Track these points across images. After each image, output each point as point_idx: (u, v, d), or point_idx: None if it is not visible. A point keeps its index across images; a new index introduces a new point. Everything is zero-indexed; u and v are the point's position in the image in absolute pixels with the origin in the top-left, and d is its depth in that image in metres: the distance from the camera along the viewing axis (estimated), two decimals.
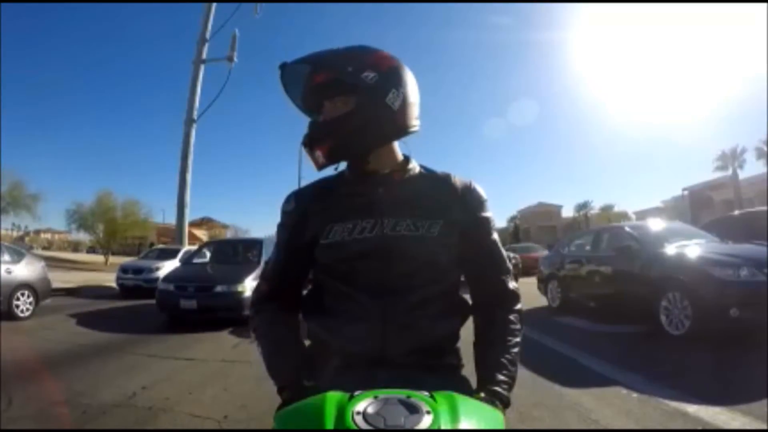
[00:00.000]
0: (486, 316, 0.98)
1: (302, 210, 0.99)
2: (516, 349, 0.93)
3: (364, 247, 0.91)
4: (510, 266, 1.03)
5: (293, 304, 1.03)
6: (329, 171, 1.00)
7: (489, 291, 1.00)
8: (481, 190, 1.01)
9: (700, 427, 2.67)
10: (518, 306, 0.99)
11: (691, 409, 2.90)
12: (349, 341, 0.90)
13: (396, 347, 0.89)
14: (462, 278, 1.03)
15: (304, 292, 1.06)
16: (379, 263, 0.91)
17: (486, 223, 1.00)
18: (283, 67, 0.97)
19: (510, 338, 0.94)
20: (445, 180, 1.00)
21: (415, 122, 0.97)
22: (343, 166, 0.99)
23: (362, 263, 0.91)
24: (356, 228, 0.92)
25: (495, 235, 1.02)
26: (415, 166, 1.01)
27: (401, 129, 0.95)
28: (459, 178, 1.00)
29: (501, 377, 0.87)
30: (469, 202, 0.98)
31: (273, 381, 0.91)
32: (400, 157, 1.01)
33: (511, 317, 0.96)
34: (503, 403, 0.83)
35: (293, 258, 1.01)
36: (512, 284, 1.00)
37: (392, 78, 0.94)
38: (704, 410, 2.87)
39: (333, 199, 0.97)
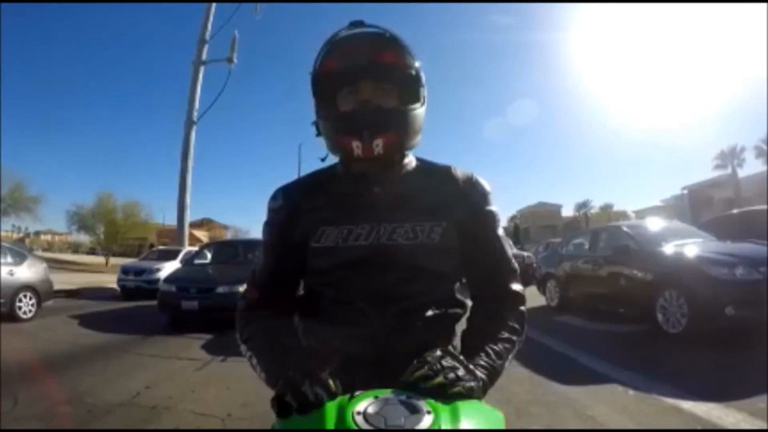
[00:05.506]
0: (484, 312, 0.90)
1: (291, 207, 0.91)
2: (508, 345, 0.83)
3: (358, 255, 0.85)
4: (516, 266, 0.94)
5: (287, 309, 0.93)
6: (318, 164, 0.95)
7: (491, 292, 0.91)
8: (485, 183, 0.94)
9: (696, 425, 2.71)
10: (522, 308, 0.91)
11: (686, 405, 2.95)
12: (345, 345, 0.85)
13: (392, 352, 0.83)
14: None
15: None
16: (374, 271, 0.85)
17: (490, 217, 0.92)
18: (357, 24, 0.88)
19: (504, 333, 0.84)
20: (445, 174, 0.93)
21: None
22: (333, 159, 0.93)
23: (356, 271, 0.85)
24: (351, 234, 0.86)
25: (500, 231, 0.94)
26: (411, 160, 0.94)
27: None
28: (460, 171, 0.93)
29: (481, 361, 0.77)
30: (471, 196, 0.91)
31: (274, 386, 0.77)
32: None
33: (512, 315, 0.88)
34: (473, 389, 0.69)
35: (284, 259, 0.92)
36: (516, 286, 0.92)
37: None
38: (699, 406, 2.91)
39: (325, 197, 0.90)
